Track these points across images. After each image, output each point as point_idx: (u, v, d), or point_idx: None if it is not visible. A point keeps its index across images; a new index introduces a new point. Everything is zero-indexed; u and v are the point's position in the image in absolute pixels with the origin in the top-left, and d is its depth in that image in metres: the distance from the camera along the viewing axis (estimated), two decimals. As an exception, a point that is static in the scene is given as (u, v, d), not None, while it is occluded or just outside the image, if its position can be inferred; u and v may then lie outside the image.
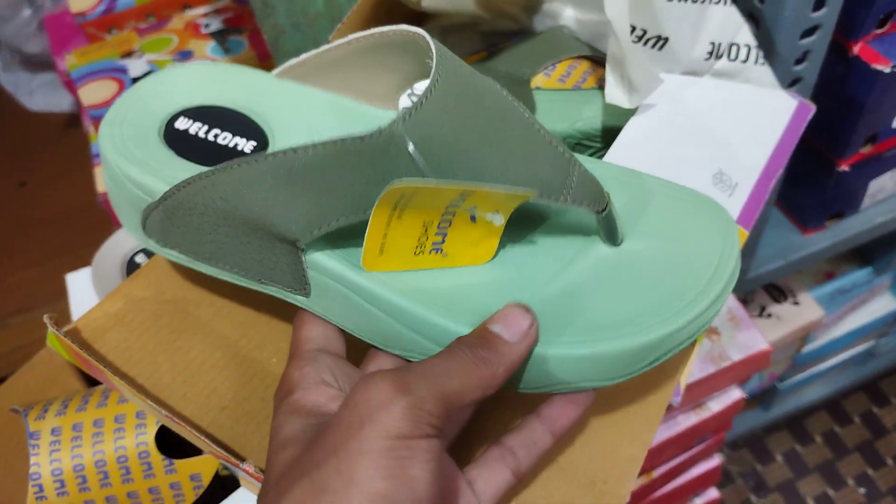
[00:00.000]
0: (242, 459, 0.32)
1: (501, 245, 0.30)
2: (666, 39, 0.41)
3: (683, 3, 0.40)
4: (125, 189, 0.30)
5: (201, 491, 0.39)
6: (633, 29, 0.40)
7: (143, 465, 0.38)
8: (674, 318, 0.27)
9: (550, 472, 0.33)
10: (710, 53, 0.42)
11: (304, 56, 0.33)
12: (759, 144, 0.42)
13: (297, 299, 0.31)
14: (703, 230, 0.30)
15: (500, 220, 0.29)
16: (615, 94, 0.41)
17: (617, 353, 0.27)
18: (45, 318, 0.32)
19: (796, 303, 0.87)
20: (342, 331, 0.31)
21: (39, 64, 1.52)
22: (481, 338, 0.26)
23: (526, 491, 0.32)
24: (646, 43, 0.40)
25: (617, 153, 0.40)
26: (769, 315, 0.87)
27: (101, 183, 0.87)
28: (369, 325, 0.29)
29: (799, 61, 0.48)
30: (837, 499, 1.12)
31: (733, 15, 0.42)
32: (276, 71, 0.34)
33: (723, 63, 0.43)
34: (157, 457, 0.38)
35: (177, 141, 0.31)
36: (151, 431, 0.39)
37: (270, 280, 0.30)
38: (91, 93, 0.79)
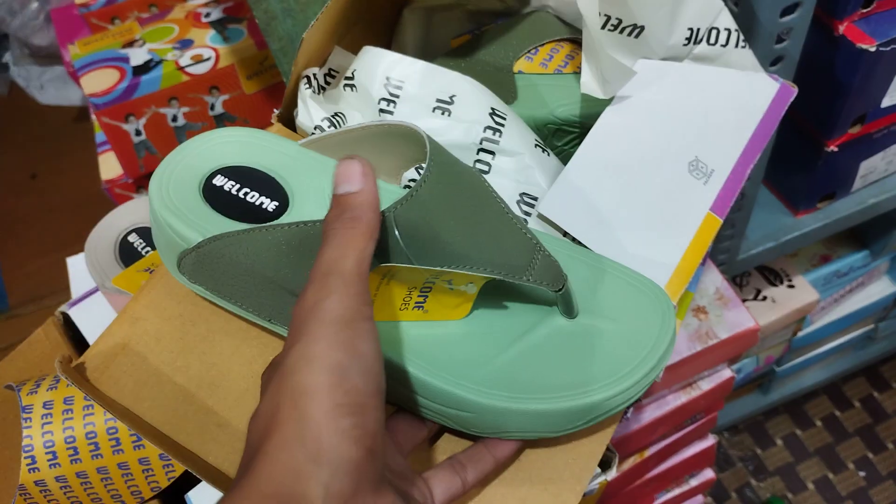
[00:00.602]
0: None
1: (476, 306, 0.35)
2: (642, 28, 0.41)
3: (658, -13, 0.40)
4: (165, 233, 0.35)
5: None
6: (608, 18, 0.40)
7: (133, 436, 0.40)
8: (611, 387, 0.32)
9: (509, 472, 0.35)
10: (689, 39, 0.43)
11: (325, 133, 0.39)
12: (737, 129, 0.43)
13: None
14: (646, 313, 0.35)
15: (472, 290, 0.34)
16: (590, 84, 0.41)
17: (563, 411, 0.32)
18: (56, 364, 0.35)
19: (791, 286, 0.88)
20: None
21: (48, 57, 1.54)
22: (339, 205, 0.30)
23: (483, 492, 0.35)
24: (622, 31, 0.41)
25: (592, 143, 0.41)
26: (764, 298, 0.87)
27: (106, 170, 0.89)
28: None
29: (781, 39, 0.49)
30: (837, 482, 1.12)
31: (711, -2, 0.42)
32: (301, 141, 0.39)
33: (702, 48, 0.44)
34: (146, 429, 0.39)
35: (213, 196, 0.37)
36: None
37: (280, 321, 0.35)
38: (93, 81, 0.80)
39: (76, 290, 0.63)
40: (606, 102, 0.42)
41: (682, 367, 0.61)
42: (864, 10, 0.54)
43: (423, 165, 0.33)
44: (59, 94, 1.62)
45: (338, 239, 0.29)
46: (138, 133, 0.83)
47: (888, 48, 0.54)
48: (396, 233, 0.32)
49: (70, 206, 1.49)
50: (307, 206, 0.37)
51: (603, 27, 0.40)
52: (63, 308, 0.50)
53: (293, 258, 0.33)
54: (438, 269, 0.31)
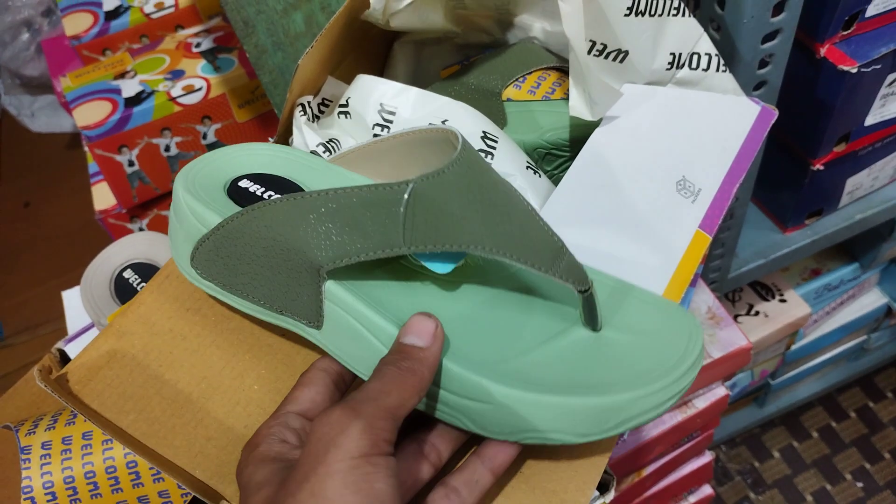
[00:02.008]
0: (219, 499, 0.34)
1: (499, 308, 0.35)
2: (626, 53, 0.42)
3: (641, 18, 0.41)
4: (187, 222, 0.35)
5: (189, 497, 0.40)
6: (594, 44, 0.41)
7: (132, 475, 0.40)
8: (640, 387, 0.30)
9: (513, 483, 0.34)
10: (671, 64, 0.44)
11: (352, 146, 0.40)
12: (722, 150, 0.44)
13: (310, 332, 0.35)
14: (672, 329, 0.33)
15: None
16: (578, 107, 0.42)
17: (587, 408, 0.30)
18: (35, 372, 0.35)
19: (783, 300, 0.88)
20: (334, 398, 0.34)
21: (40, 86, 1.55)
22: (400, 352, 0.30)
23: (490, 501, 0.34)
24: (607, 56, 0.42)
25: (582, 164, 0.42)
26: (757, 313, 0.88)
27: (100, 201, 0.89)
28: (368, 355, 0.33)
29: (763, 65, 0.50)
30: (835, 494, 1.12)
31: (692, 25, 0.43)
32: (329, 158, 0.40)
33: (684, 72, 0.45)
34: (144, 466, 0.40)
35: (237, 195, 0.37)
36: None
37: (290, 311, 0.34)
38: (86, 113, 0.81)
39: (71, 324, 0.63)
40: (594, 126, 0.43)
41: (676, 386, 0.62)
42: (845, 33, 0.55)
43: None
44: (50, 122, 1.63)
45: (388, 378, 0.29)
46: (131, 164, 0.83)
47: (869, 69, 0.55)
48: (402, 211, 0.31)
49: (64, 234, 1.49)
50: None
51: (589, 52, 0.41)
52: (59, 344, 0.50)
53: (321, 226, 0.32)
54: (457, 248, 0.31)
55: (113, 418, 0.36)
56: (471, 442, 0.34)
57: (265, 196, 0.37)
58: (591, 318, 0.34)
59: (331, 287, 0.33)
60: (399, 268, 0.36)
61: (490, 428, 0.32)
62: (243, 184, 0.38)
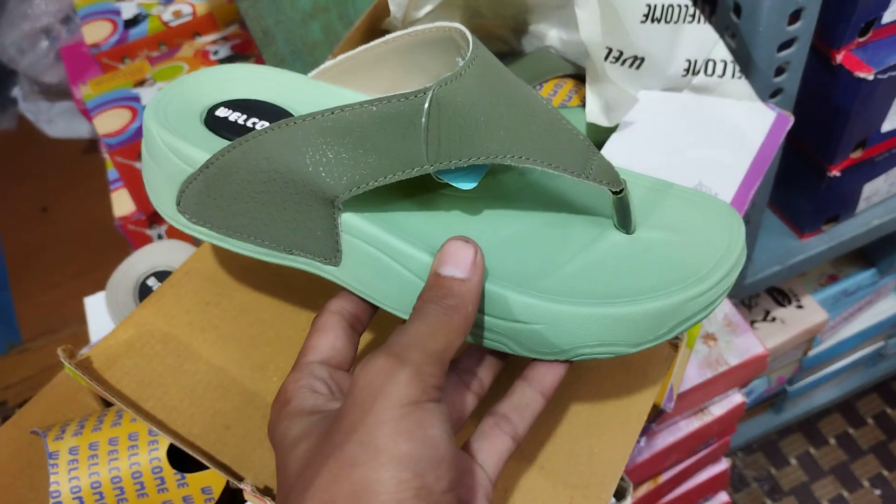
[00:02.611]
0: (240, 479, 0.34)
1: (524, 222, 0.32)
2: (643, 59, 0.42)
3: (657, 24, 0.41)
4: (165, 162, 0.31)
5: (213, 503, 0.41)
6: (610, 51, 0.41)
7: (157, 480, 0.40)
8: (689, 287, 0.29)
9: (533, 478, 0.34)
10: (687, 70, 0.44)
11: (339, 57, 0.35)
12: (737, 156, 0.44)
13: (327, 270, 0.31)
14: (710, 224, 0.32)
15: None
16: (595, 112, 0.43)
17: (645, 314, 0.28)
18: (59, 351, 0.34)
19: (800, 306, 0.88)
20: (353, 341, 0.31)
21: (58, 93, 1.57)
22: (440, 287, 0.27)
23: (508, 497, 0.34)
24: (623, 63, 0.42)
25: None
26: (773, 319, 0.87)
27: (119, 207, 0.90)
28: (398, 289, 0.30)
29: (779, 73, 0.50)
30: (853, 501, 1.11)
31: (708, 32, 0.44)
32: (312, 73, 0.35)
33: (700, 78, 0.45)
34: (169, 471, 0.40)
35: (216, 126, 0.33)
36: (163, 447, 0.41)
37: (301, 249, 0.31)
38: (106, 122, 0.82)
39: (94, 329, 0.64)
40: (611, 132, 0.44)
41: (693, 393, 0.62)
42: (861, 40, 0.55)
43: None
44: (68, 127, 1.64)
45: (432, 319, 0.27)
46: (150, 171, 0.84)
47: (885, 76, 0.55)
48: (423, 124, 0.27)
49: (81, 238, 1.50)
50: None
51: (605, 59, 0.42)
52: (84, 351, 0.51)
53: (329, 151, 0.28)
54: (486, 159, 0.28)
55: (132, 404, 0.37)
56: (511, 367, 0.33)
57: (250, 124, 0.33)
58: (625, 221, 0.31)
59: (347, 219, 0.30)
60: (418, 189, 0.33)
61: (539, 349, 0.30)
62: (221, 112, 0.33)
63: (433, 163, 0.28)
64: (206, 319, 0.39)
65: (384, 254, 0.30)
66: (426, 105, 0.27)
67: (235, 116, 0.33)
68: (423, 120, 0.27)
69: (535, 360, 0.30)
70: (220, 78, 0.35)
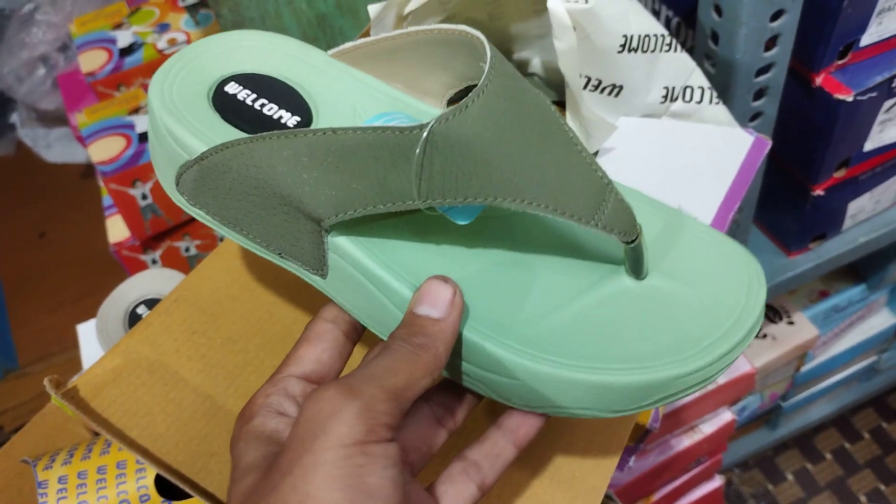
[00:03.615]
0: None
1: (524, 258, 0.31)
2: (621, 87, 0.43)
3: (634, 54, 0.42)
4: (166, 143, 0.31)
5: (199, 530, 0.41)
6: (589, 79, 0.42)
7: (145, 508, 0.41)
8: (684, 362, 0.27)
9: (522, 469, 0.35)
10: (665, 97, 0.45)
11: (360, 41, 0.34)
12: (716, 180, 0.45)
13: (314, 279, 0.31)
14: (731, 277, 0.29)
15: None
16: (575, 140, 0.43)
17: (619, 387, 0.27)
18: (46, 382, 0.35)
19: (791, 322, 0.89)
20: (344, 352, 0.30)
21: (55, 120, 1.58)
22: (412, 325, 0.26)
23: (498, 486, 0.33)
24: (602, 91, 0.43)
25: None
26: (765, 336, 0.88)
27: (114, 233, 0.91)
28: (380, 315, 0.30)
29: (758, 97, 0.51)
30: (851, 516, 1.11)
31: (685, 60, 0.45)
32: (331, 51, 0.34)
33: (678, 105, 0.46)
34: (156, 499, 0.41)
35: (224, 104, 0.31)
36: (151, 475, 0.41)
37: (290, 255, 0.30)
38: (100, 149, 0.83)
39: (87, 357, 0.64)
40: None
41: (682, 412, 0.62)
42: (840, 62, 0.56)
43: (476, 83, 0.27)
44: (65, 152, 1.66)
45: (397, 355, 0.25)
46: (144, 197, 0.85)
47: (865, 97, 0.56)
48: (416, 159, 0.26)
49: (79, 263, 1.51)
50: (335, 124, 0.32)
51: (584, 87, 0.43)
52: (74, 379, 0.51)
53: (316, 172, 0.27)
54: (482, 201, 0.26)
55: (118, 434, 0.37)
56: (488, 406, 0.32)
57: (258, 106, 0.32)
58: (637, 267, 0.29)
59: (335, 239, 0.29)
60: (414, 215, 0.31)
61: (515, 401, 0.29)
62: (231, 88, 0.32)
63: (424, 199, 0.26)
64: (194, 348, 0.40)
65: (369, 282, 0.29)
66: (422, 141, 0.25)
67: (244, 95, 0.32)
68: (418, 154, 0.26)
69: (511, 407, 0.29)
70: (231, 45, 0.33)
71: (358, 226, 0.29)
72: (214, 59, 0.33)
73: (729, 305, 0.28)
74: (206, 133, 0.30)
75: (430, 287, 0.27)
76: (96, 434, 0.48)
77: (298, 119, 0.32)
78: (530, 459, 0.35)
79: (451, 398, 0.30)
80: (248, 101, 0.32)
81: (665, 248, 0.31)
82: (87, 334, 0.65)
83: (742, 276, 0.29)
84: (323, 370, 0.29)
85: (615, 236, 0.28)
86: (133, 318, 0.51)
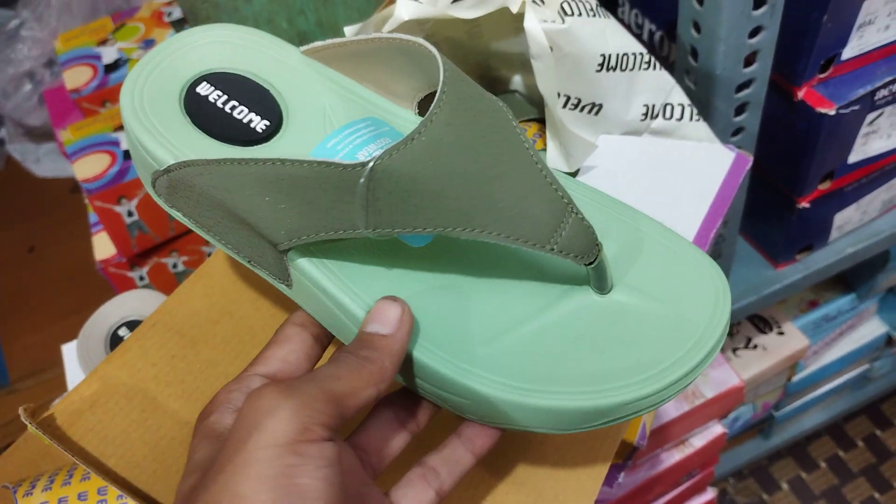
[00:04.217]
0: None
1: (483, 277, 0.30)
2: (600, 106, 0.43)
3: (613, 73, 0.42)
4: (137, 151, 0.31)
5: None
6: (568, 98, 0.42)
7: (125, 536, 0.40)
8: (639, 386, 0.27)
9: (505, 486, 0.34)
10: (646, 115, 0.45)
11: (330, 41, 0.34)
12: (698, 196, 0.45)
13: (281, 287, 0.31)
14: (698, 292, 0.29)
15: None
16: (555, 159, 0.43)
17: (580, 411, 0.27)
18: (21, 411, 0.34)
19: (781, 332, 0.88)
20: (312, 354, 0.31)
21: (43, 135, 1.58)
22: (359, 340, 0.27)
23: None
24: (581, 109, 0.43)
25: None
26: (755, 346, 0.88)
27: (101, 250, 0.90)
28: (339, 329, 0.30)
29: (739, 112, 0.51)
30: (845, 525, 1.11)
31: (664, 78, 0.44)
32: (304, 48, 0.34)
33: (659, 122, 0.46)
34: (136, 527, 0.40)
35: (195, 108, 0.31)
36: (132, 501, 0.41)
37: (258, 265, 0.31)
38: (85, 167, 0.83)
39: (71, 377, 0.64)
40: (573, 175, 0.44)
41: (671, 426, 0.62)
42: (822, 76, 0.56)
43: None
44: (55, 167, 1.65)
45: (342, 364, 0.26)
46: (130, 214, 0.85)
47: (848, 110, 0.56)
48: (361, 193, 0.26)
49: (68, 278, 1.50)
50: (304, 129, 0.32)
51: (564, 106, 0.42)
52: (55, 404, 0.51)
53: (267, 199, 0.28)
54: (431, 231, 0.26)
55: (95, 462, 0.36)
56: (446, 421, 0.32)
57: (227, 109, 0.32)
58: (600, 284, 0.29)
59: (295, 258, 0.30)
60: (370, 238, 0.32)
61: (469, 415, 0.29)
62: (203, 89, 0.32)
63: (372, 228, 0.27)
64: (173, 373, 0.39)
65: (326, 298, 0.30)
66: (364, 178, 0.26)
67: (216, 96, 0.32)
68: (361, 189, 0.26)
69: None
70: (205, 41, 0.33)
71: (315, 246, 0.30)
72: (187, 57, 0.33)
73: (694, 323, 0.28)
74: (175, 143, 0.30)
75: (380, 306, 0.28)
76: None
77: (267, 124, 0.32)
78: (514, 480, 0.35)
79: (412, 401, 0.31)
80: (219, 104, 0.32)
81: (633, 258, 0.30)
82: (72, 354, 0.65)
83: (709, 290, 0.29)
84: (289, 370, 0.29)
85: (572, 260, 0.27)
86: (115, 340, 0.51)
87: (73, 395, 0.38)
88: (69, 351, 0.66)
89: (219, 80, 0.32)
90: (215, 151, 0.31)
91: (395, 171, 0.26)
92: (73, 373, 0.64)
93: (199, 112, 0.32)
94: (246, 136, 0.31)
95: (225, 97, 0.32)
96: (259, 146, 0.32)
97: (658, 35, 0.62)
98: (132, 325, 0.52)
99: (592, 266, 0.28)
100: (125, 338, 0.52)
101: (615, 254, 0.30)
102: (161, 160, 0.30)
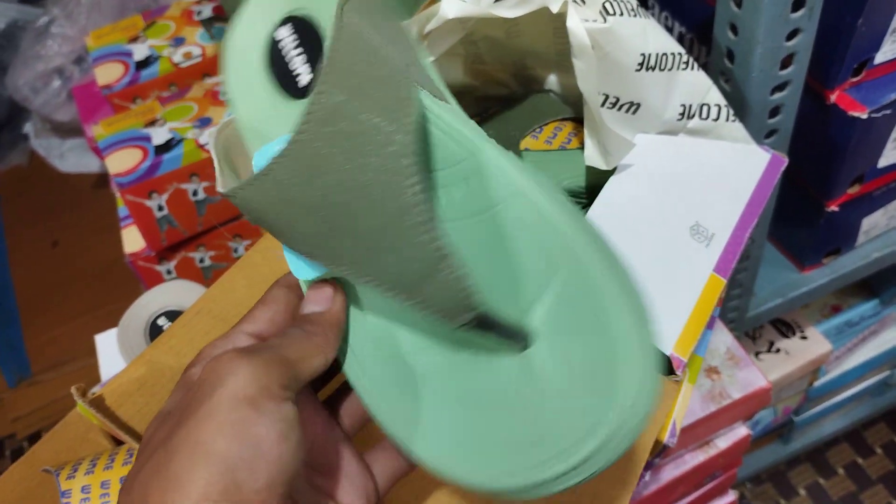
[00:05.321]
0: None
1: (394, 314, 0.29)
2: (638, 105, 0.44)
3: (651, 72, 0.43)
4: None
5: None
6: (606, 97, 0.43)
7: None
8: (509, 477, 0.24)
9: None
10: (682, 114, 0.45)
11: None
12: (733, 197, 0.45)
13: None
14: (616, 375, 0.23)
15: None
16: (593, 157, 0.44)
17: (451, 482, 0.26)
18: (73, 390, 0.35)
19: (804, 337, 0.88)
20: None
21: (70, 130, 1.60)
22: (302, 320, 0.29)
23: None
24: (619, 108, 0.43)
25: (597, 211, 0.43)
26: (777, 350, 0.88)
27: (130, 244, 0.92)
28: None
29: (773, 114, 0.51)
30: (863, 532, 1.11)
31: (702, 78, 0.45)
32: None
33: (695, 122, 0.46)
34: (178, 510, 0.41)
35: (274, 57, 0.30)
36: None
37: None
38: (117, 161, 0.84)
39: (104, 367, 0.65)
40: (609, 174, 0.45)
41: (697, 427, 0.62)
42: (855, 79, 0.56)
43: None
44: (78, 163, 1.67)
45: (292, 336, 0.28)
46: (161, 208, 0.86)
47: (879, 114, 0.56)
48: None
49: (91, 273, 1.52)
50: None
51: (602, 105, 0.43)
52: (95, 389, 0.52)
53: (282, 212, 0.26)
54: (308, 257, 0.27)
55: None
56: None
57: (291, 56, 0.30)
58: (498, 345, 0.26)
59: None
60: None
61: None
62: (284, 32, 0.30)
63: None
64: None
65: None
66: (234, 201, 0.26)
67: (293, 40, 0.30)
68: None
69: None
70: None
71: None
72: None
73: (593, 410, 0.23)
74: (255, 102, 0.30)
75: (311, 291, 0.30)
76: (118, 444, 0.49)
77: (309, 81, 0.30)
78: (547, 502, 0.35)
79: (355, 405, 0.33)
80: (290, 49, 0.30)
81: (570, 303, 0.25)
82: (105, 344, 0.66)
83: (632, 376, 0.23)
84: (275, 329, 0.31)
85: (439, 318, 0.24)
86: (153, 329, 0.52)
87: (121, 377, 0.39)
88: (102, 341, 0.67)
89: (300, 25, 0.30)
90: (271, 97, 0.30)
91: (249, 204, 0.26)
92: (107, 362, 0.65)
93: (275, 62, 0.30)
94: (292, 87, 0.30)
95: (298, 43, 0.30)
96: (296, 101, 0.30)
97: (689, 37, 0.62)
98: (171, 314, 0.53)
99: (465, 330, 0.25)
100: (164, 327, 0.53)
101: (553, 300, 0.26)
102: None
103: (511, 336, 0.25)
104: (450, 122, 0.29)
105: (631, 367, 0.23)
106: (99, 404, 0.38)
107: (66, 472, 0.43)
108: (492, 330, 0.25)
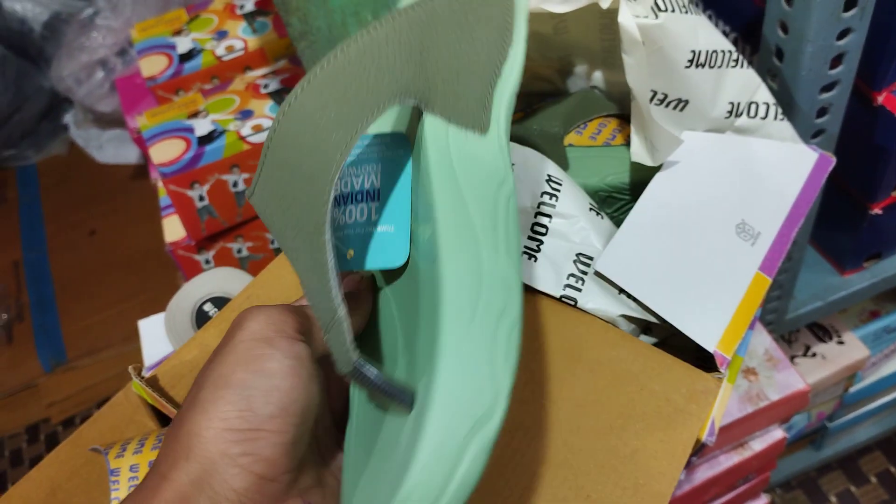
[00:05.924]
0: None
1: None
2: (686, 102, 0.44)
3: (701, 69, 0.43)
4: None
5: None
6: (655, 93, 0.43)
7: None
8: None
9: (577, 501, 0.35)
10: (730, 112, 0.45)
11: None
12: (780, 196, 0.45)
13: None
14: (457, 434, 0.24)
15: None
16: (639, 153, 0.44)
17: None
18: (130, 369, 0.37)
19: (841, 342, 0.87)
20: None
21: (110, 121, 1.63)
22: None
23: None
24: (667, 105, 0.44)
25: (643, 207, 0.43)
26: (814, 354, 0.87)
27: (171, 233, 0.93)
28: None
29: (821, 114, 0.51)
30: (896, 542, 1.09)
31: (751, 76, 0.45)
32: None
33: (743, 120, 0.46)
34: (224, 491, 0.42)
35: None
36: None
37: None
38: (161, 151, 0.86)
39: (147, 350, 0.66)
40: (655, 171, 0.45)
41: (733, 428, 0.62)
42: (903, 81, 0.56)
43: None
44: (117, 153, 1.70)
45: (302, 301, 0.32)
46: (202, 199, 0.87)
47: (928, 116, 0.56)
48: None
49: (127, 262, 1.55)
50: None
51: (651, 101, 0.43)
52: (145, 372, 0.53)
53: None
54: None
55: None
56: None
57: None
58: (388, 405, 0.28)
59: None
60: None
61: None
62: None
63: None
64: None
65: None
66: None
67: None
68: None
69: None
70: None
71: None
72: None
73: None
74: None
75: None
76: (164, 425, 0.50)
77: None
78: (593, 463, 0.36)
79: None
80: None
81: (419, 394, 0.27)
82: (148, 329, 0.67)
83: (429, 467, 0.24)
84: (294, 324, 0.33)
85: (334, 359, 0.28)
86: (200, 314, 0.53)
87: (174, 359, 0.40)
88: (146, 326, 0.68)
89: None
90: None
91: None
92: (150, 346, 0.66)
93: None
94: None
95: None
96: None
97: (733, 36, 0.62)
98: (216, 300, 0.54)
99: (350, 381, 0.29)
100: (210, 313, 0.54)
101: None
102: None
103: (392, 396, 0.27)
104: None
105: (419, 475, 0.24)
106: (153, 384, 0.39)
107: (115, 451, 0.44)
108: (368, 386, 0.27)
